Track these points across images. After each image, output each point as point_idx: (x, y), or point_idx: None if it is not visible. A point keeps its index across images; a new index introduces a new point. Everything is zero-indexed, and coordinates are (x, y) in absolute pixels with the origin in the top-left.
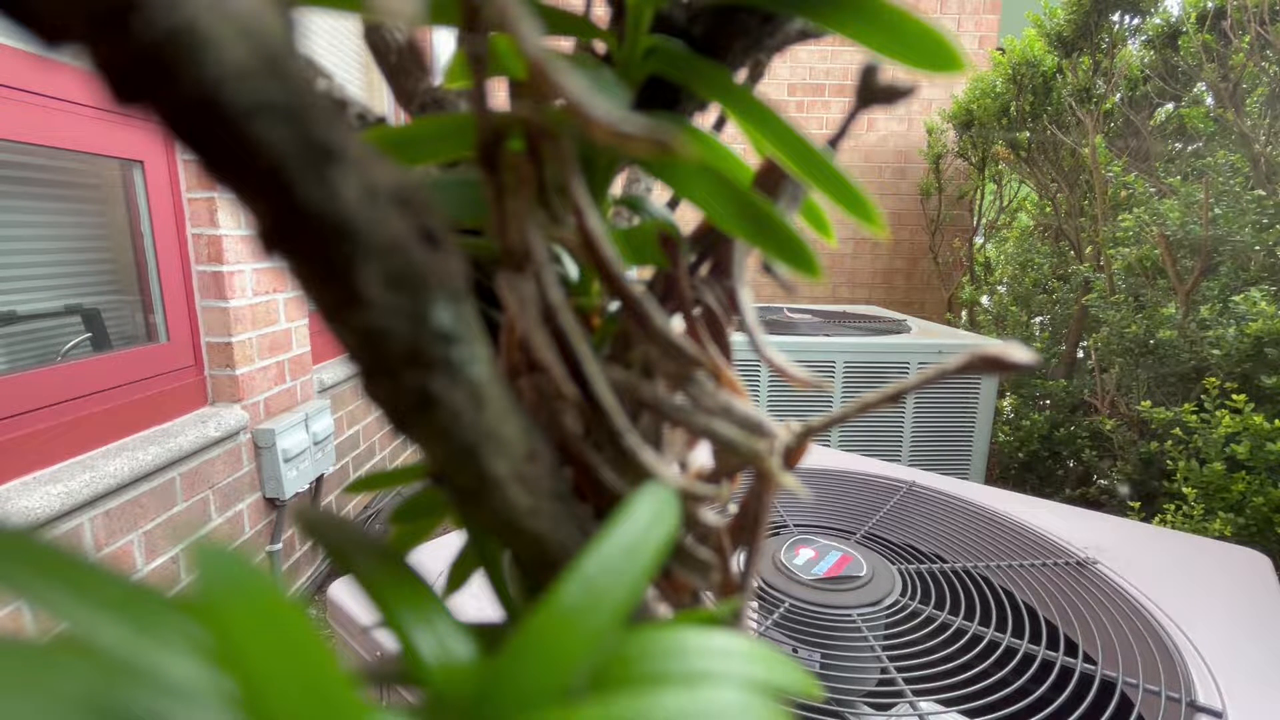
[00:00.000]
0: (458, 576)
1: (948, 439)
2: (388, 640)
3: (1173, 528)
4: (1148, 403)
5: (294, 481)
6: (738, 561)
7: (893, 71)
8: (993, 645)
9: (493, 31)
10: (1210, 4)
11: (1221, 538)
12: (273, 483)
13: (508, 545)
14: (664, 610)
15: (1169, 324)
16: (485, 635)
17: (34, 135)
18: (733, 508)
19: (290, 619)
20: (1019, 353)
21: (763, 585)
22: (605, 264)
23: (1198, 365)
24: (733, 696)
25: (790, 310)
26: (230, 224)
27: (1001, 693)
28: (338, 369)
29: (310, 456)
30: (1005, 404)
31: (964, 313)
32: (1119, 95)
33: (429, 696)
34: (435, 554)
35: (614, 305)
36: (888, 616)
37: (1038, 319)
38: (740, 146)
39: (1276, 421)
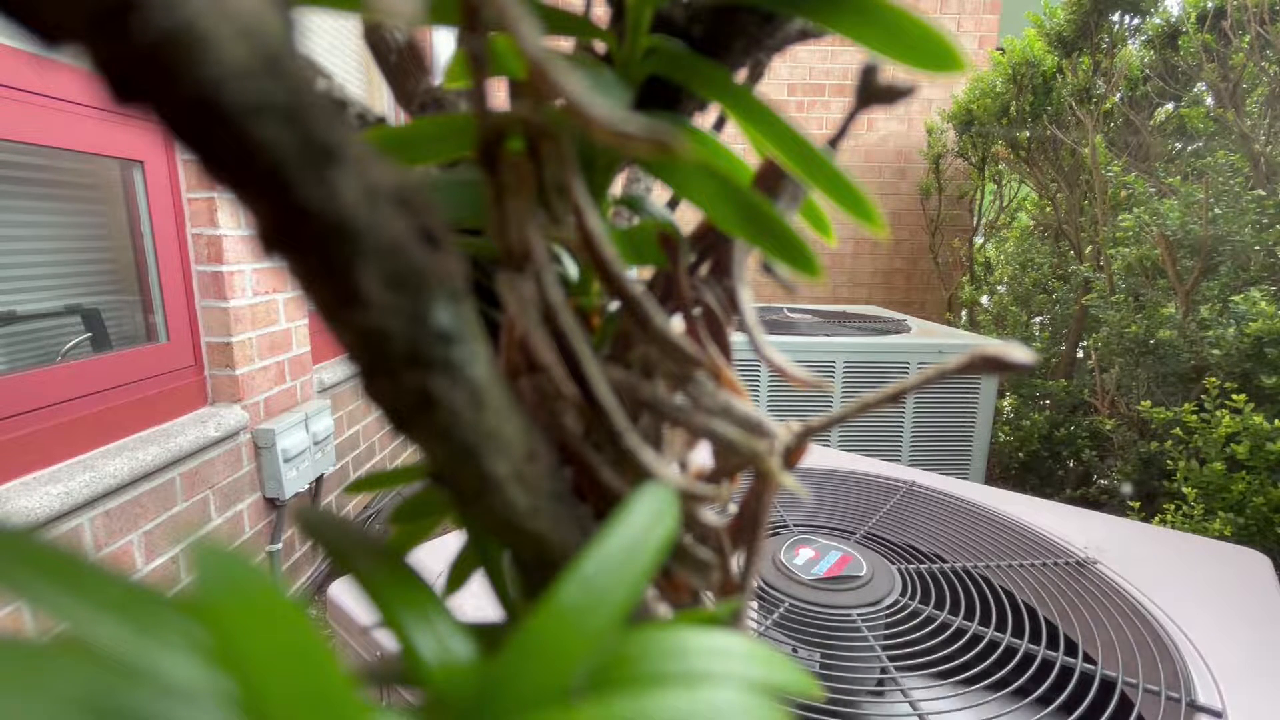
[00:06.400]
0: (458, 576)
1: (948, 439)
2: (388, 640)
3: (1173, 528)
4: (1148, 403)
5: (294, 481)
6: (738, 561)
7: (893, 71)
8: (993, 645)
9: (493, 31)
10: (1210, 4)
11: (1221, 538)
12: (273, 483)
13: (508, 545)
14: (664, 610)
15: (1169, 324)
16: (485, 635)
17: (34, 135)
18: (733, 508)
19: (290, 619)
20: (1019, 353)
21: (763, 585)
22: (605, 264)
23: (1198, 365)
24: (733, 696)
25: (790, 310)
26: (230, 224)
27: (1002, 692)
28: (338, 369)
29: (310, 456)
30: (1005, 404)
31: (964, 313)
32: (1119, 95)
33: (429, 696)
34: (435, 554)
35: (614, 305)
36: (888, 616)
37: (1038, 319)
38: (740, 146)
39: (1276, 421)
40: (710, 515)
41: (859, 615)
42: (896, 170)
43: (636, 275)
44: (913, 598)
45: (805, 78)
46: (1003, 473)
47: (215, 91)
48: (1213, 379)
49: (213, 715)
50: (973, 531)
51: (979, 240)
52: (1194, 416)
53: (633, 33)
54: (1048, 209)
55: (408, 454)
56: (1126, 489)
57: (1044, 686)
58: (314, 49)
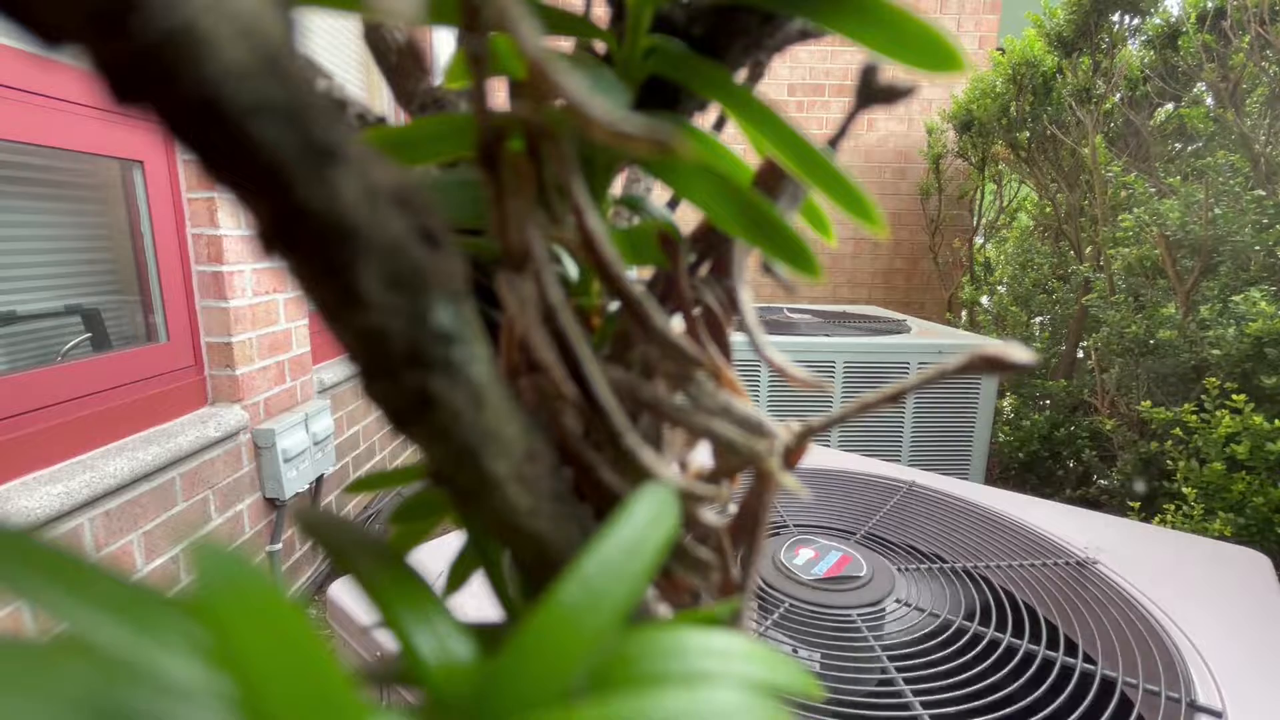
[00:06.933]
0: (458, 576)
1: (948, 439)
2: (388, 640)
3: (1173, 528)
4: (1148, 403)
5: (294, 481)
6: (738, 561)
7: (893, 71)
8: (993, 645)
9: (493, 31)
10: (1210, 4)
11: (1221, 538)
12: (273, 483)
13: (508, 545)
14: (664, 610)
15: (1169, 324)
16: (485, 635)
17: (34, 135)
18: (733, 508)
19: (289, 619)
20: (1019, 353)
21: (763, 585)
22: (605, 264)
23: (1198, 365)
24: (732, 696)
25: (790, 310)
26: (230, 224)
27: (1002, 692)
28: (338, 369)
29: (310, 456)
30: (1005, 404)
31: (964, 313)
32: (1119, 95)
33: (429, 696)
34: (435, 554)
35: (614, 305)
36: (888, 617)
37: (1038, 319)
38: (740, 146)
39: (1276, 421)
40: (710, 515)
41: (859, 615)
42: (896, 170)
43: (636, 275)
44: (913, 598)
45: (805, 78)
46: (1003, 473)
47: (215, 92)
48: (1213, 379)
49: (211, 715)
50: (973, 531)
51: (979, 240)
52: (1194, 416)
53: (633, 33)
54: (1048, 209)
55: (408, 454)
56: (1127, 489)
57: (1044, 687)
58: (314, 49)
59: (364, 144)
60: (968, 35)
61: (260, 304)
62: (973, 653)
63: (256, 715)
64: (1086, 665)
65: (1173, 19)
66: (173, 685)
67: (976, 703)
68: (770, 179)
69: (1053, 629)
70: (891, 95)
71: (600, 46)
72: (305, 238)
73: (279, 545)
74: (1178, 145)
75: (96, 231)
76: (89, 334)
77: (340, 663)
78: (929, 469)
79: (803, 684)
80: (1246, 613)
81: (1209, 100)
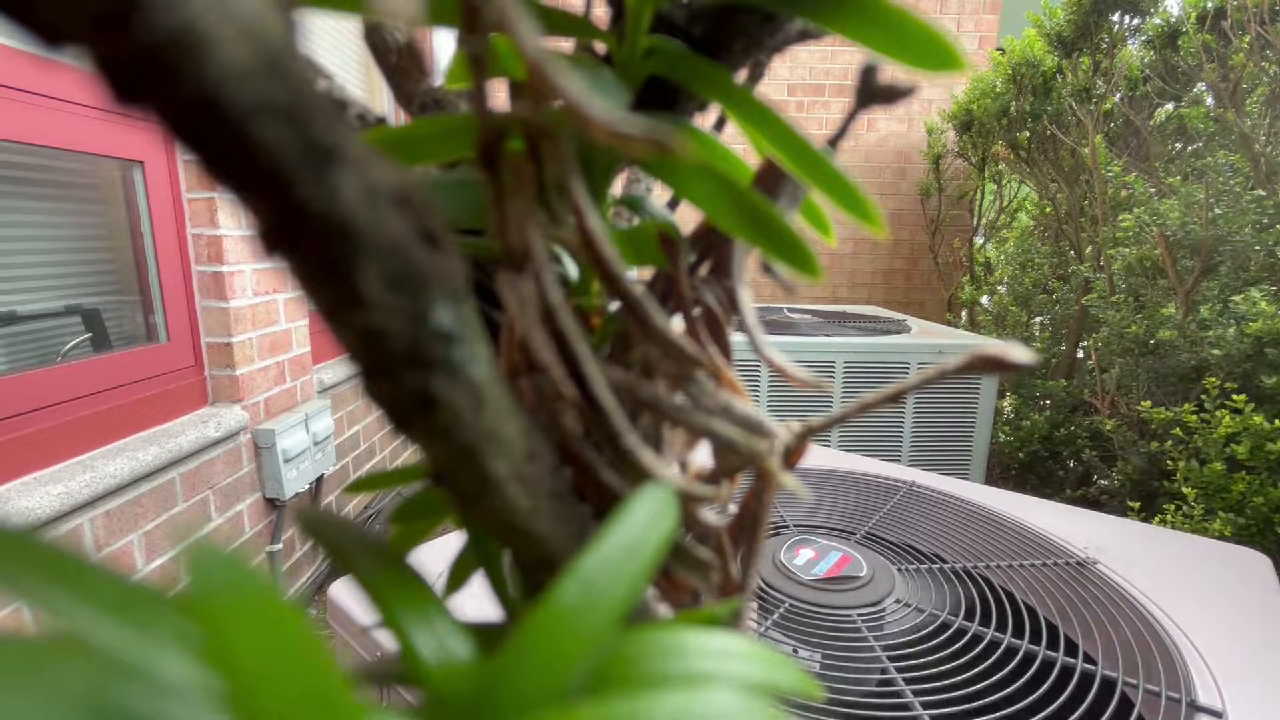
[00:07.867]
0: (458, 576)
1: (948, 439)
2: (388, 640)
3: (1173, 528)
4: (1148, 403)
5: (294, 482)
6: (738, 562)
7: (893, 71)
8: (993, 645)
9: (493, 32)
10: (1210, 4)
11: (1221, 538)
12: (273, 483)
13: (508, 545)
14: (664, 610)
15: (1169, 324)
16: (485, 635)
17: (34, 135)
18: (733, 508)
19: (285, 619)
20: (1019, 353)
21: (763, 585)
22: (605, 264)
23: (1198, 365)
24: (732, 697)
25: (790, 310)
26: (230, 224)
27: (1002, 693)
28: (338, 369)
29: (310, 457)
30: (1005, 404)
31: (964, 313)
32: (1119, 95)
33: (429, 696)
34: (435, 554)
35: (614, 305)
36: (888, 617)
37: (1038, 319)
38: (740, 146)
39: (1276, 421)
40: (710, 515)
41: (859, 615)
42: (896, 170)
43: (636, 275)
44: (913, 598)
45: (805, 78)
46: (1003, 473)
47: (216, 92)
48: (1213, 379)
49: (209, 715)
50: (973, 531)
51: (979, 240)
52: (1194, 416)
53: (633, 33)
54: (1048, 209)
55: (408, 454)
56: (1127, 489)
57: (1044, 687)
58: (315, 49)
59: (364, 144)
60: (968, 35)
61: (260, 304)
62: (973, 653)
63: (251, 715)
64: (1087, 665)
65: (1173, 19)
66: (171, 685)
67: (977, 703)
68: (770, 179)
69: (1053, 629)
70: (891, 95)
71: (600, 47)
72: (306, 238)
73: (279, 545)
74: (1178, 145)
75: (96, 231)
76: (89, 334)
77: (337, 662)
78: (929, 469)
79: (802, 684)
80: (1246, 613)
81: (1209, 100)
